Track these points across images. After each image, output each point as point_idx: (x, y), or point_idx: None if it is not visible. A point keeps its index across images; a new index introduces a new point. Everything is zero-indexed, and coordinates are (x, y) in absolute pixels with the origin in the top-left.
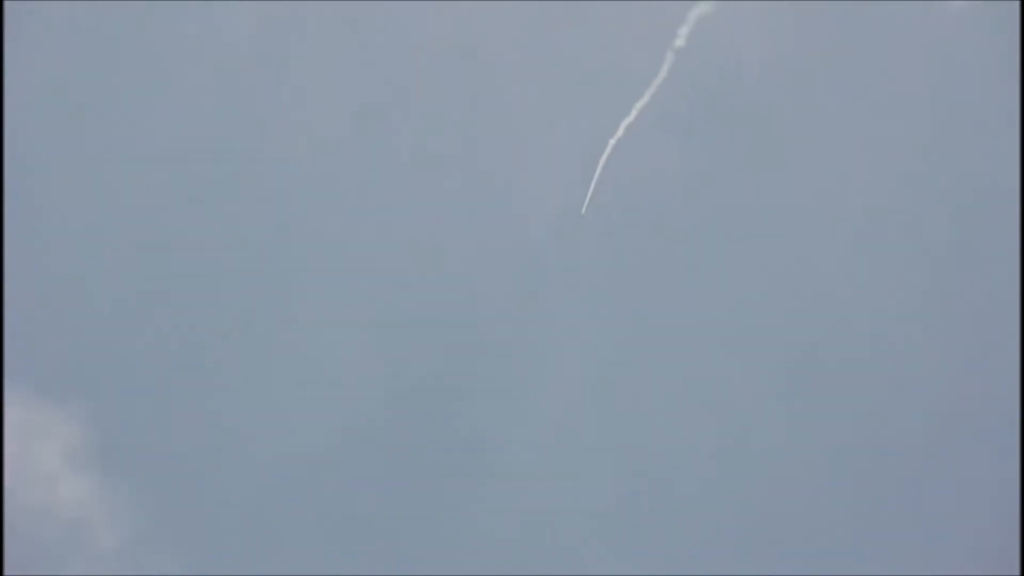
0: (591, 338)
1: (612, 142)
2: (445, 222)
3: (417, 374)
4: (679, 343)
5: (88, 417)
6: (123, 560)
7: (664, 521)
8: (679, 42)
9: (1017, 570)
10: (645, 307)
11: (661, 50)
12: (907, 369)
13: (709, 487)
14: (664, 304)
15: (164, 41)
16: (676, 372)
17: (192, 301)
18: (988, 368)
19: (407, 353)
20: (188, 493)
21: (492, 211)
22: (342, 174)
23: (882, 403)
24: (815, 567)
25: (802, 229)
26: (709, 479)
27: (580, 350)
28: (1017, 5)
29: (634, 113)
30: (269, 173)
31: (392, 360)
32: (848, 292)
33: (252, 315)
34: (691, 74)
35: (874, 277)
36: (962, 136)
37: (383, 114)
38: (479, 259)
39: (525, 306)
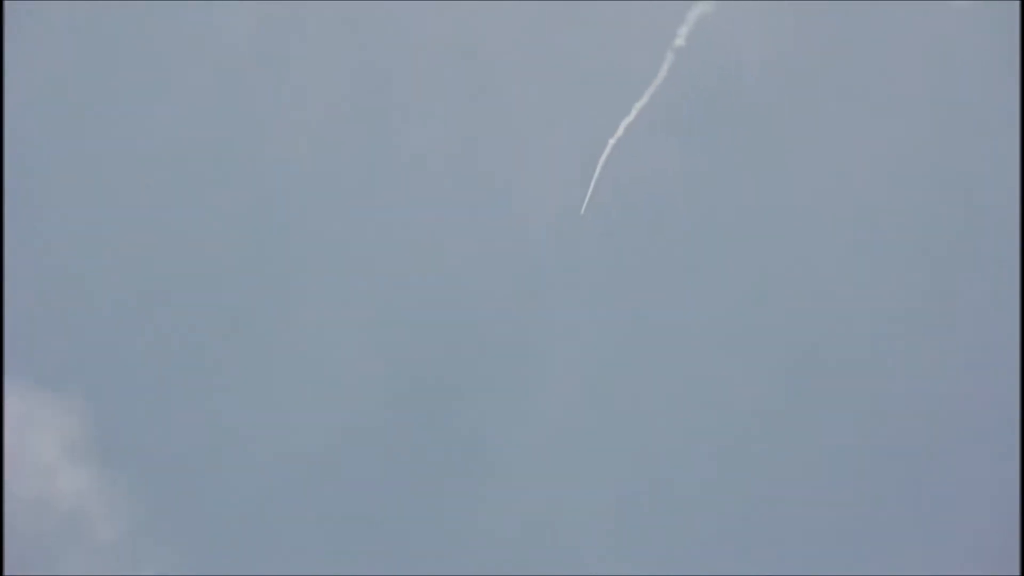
0: (591, 338)
1: (612, 142)
2: (445, 222)
3: (417, 374)
4: (679, 343)
5: (86, 410)
6: (121, 553)
7: (664, 521)
8: (679, 42)
9: (1017, 570)
10: (645, 307)
11: (661, 50)
12: (907, 369)
13: (709, 487)
14: (664, 304)
15: (164, 41)
16: (676, 372)
17: (191, 299)
18: (988, 368)
19: (407, 353)
20: (186, 487)
21: (492, 211)
22: (342, 174)
23: (882, 403)
24: (815, 567)
25: (802, 229)
26: (709, 479)
27: (580, 350)
28: (1017, 5)
29: (634, 113)
30: (269, 173)
31: (392, 360)
32: (848, 292)
33: (251, 314)
34: (691, 74)
35: (874, 277)
36: (962, 136)
37: (383, 114)
38: (479, 259)
39: (525, 306)
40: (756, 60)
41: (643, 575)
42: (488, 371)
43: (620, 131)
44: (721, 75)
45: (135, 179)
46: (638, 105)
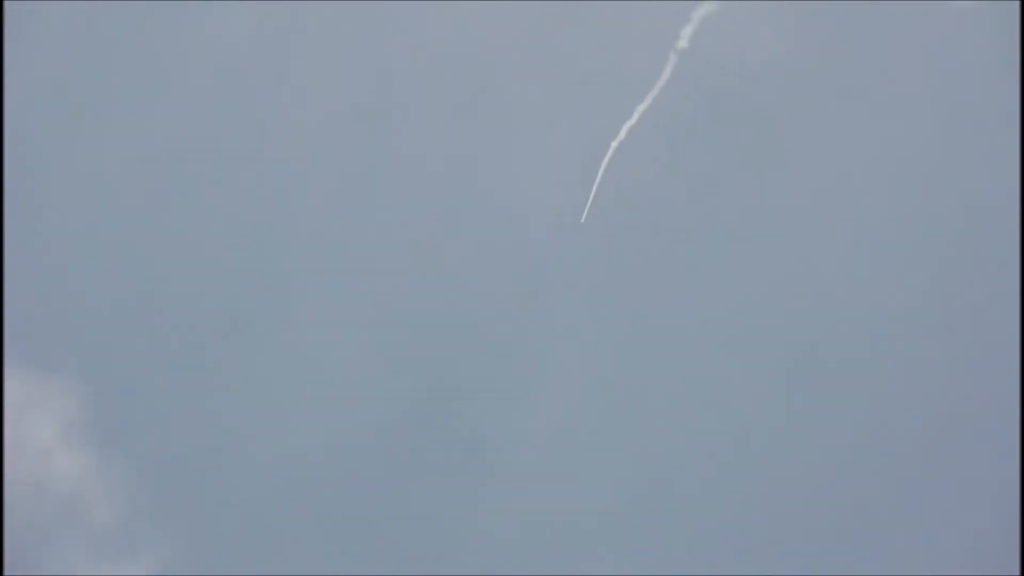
0: (592, 339)
1: (614, 144)
2: (446, 223)
3: (417, 374)
4: (680, 344)
5: (84, 393)
6: (118, 536)
7: (664, 521)
8: (682, 43)
9: (1017, 570)
10: (646, 308)
11: (664, 51)
12: (907, 369)
13: (709, 487)
14: (665, 305)
15: (164, 41)
16: (677, 373)
17: (190, 297)
18: (988, 368)
19: (407, 353)
20: (183, 472)
21: (493, 212)
22: (342, 174)
23: (882, 403)
24: (815, 567)
25: (804, 230)
26: (709, 479)
27: (581, 351)
28: (1017, 5)
29: (636, 116)
30: (269, 173)
31: (393, 360)
32: (848, 292)
33: (251, 312)
34: (694, 75)
35: (874, 277)
36: (962, 136)
37: (384, 115)
38: (480, 259)
39: (526, 307)
40: (758, 61)
41: (643, 575)
42: (489, 371)
43: (622, 133)
44: (724, 77)
45: (135, 179)
46: (640, 108)
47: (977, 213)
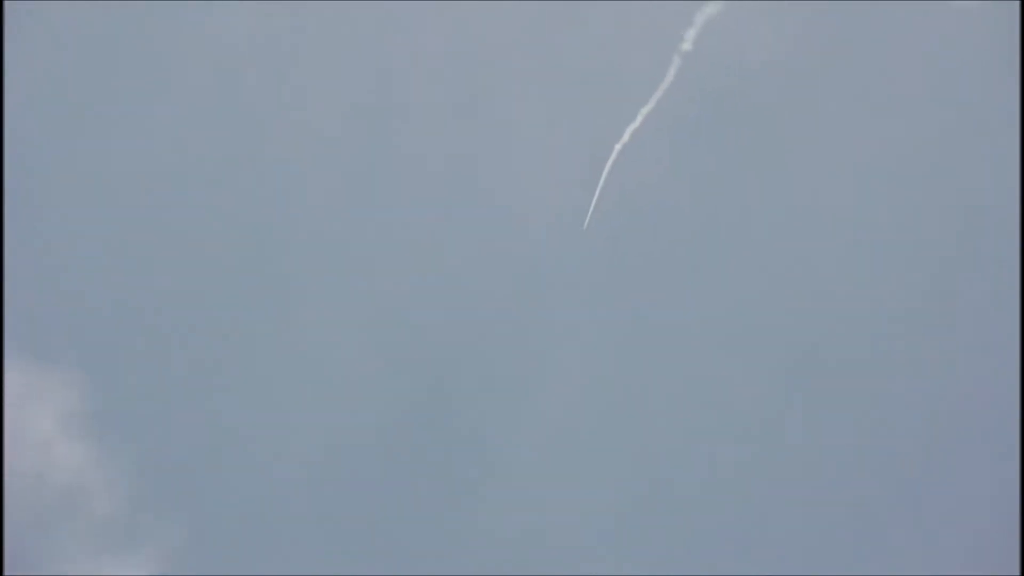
0: (592, 339)
1: (618, 146)
2: (447, 223)
3: (418, 375)
4: (680, 344)
5: (85, 384)
6: (118, 527)
7: (664, 521)
8: (686, 45)
9: (1017, 570)
10: (646, 308)
11: (667, 53)
12: (907, 369)
13: (709, 487)
14: (666, 305)
15: (164, 41)
16: (678, 373)
17: (189, 293)
18: (988, 368)
19: (408, 354)
20: (184, 465)
21: (494, 212)
22: (342, 175)
23: (882, 403)
24: (815, 567)
25: (805, 229)
26: (709, 479)
27: (581, 351)
28: (1017, 5)
29: (640, 119)
30: (269, 173)
31: (393, 361)
32: (848, 292)
33: (250, 312)
34: (698, 78)
35: (874, 277)
36: (962, 136)
37: (385, 115)
38: (481, 260)
39: (526, 307)
40: (761, 62)
41: (643, 575)
42: (489, 371)
43: (626, 136)
44: (728, 78)
45: (135, 178)
46: (644, 111)
47: (977, 213)
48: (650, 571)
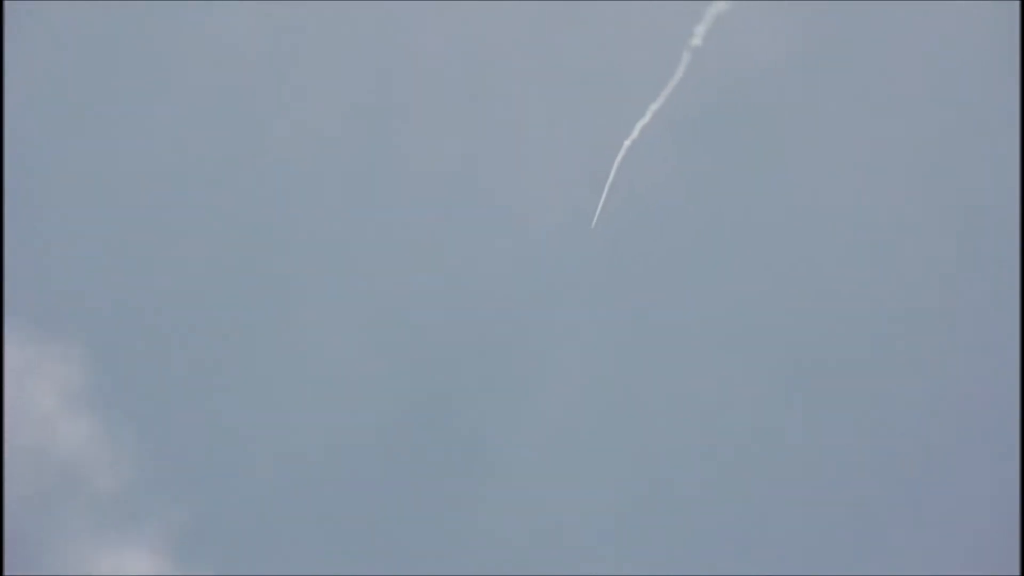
0: (592, 339)
1: (627, 143)
2: (449, 223)
3: (418, 375)
4: (680, 344)
5: (86, 358)
6: (120, 504)
7: (665, 521)
8: (696, 41)
9: (1017, 570)
10: (647, 308)
11: (677, 49)
12: (907, 370)
13: (709, 487)
14: (666, 306)
15: (164, 41)
16: (677, 373)
17: (189, 293)
18: (988, 368)
19: (408, 354)
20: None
21: (498, 213)
22: (343, 175)
23: (882, 404)
24: (815, 567)
25: (811, 230)
26: (709, 479)
27: (582, 351)
28: (1017, 5)
29: (649, 115)
30: (269, 173)
31: (393, 361)
32: (849, 292)
33: (250, 312)
34: (708, 74)
35: (874, 277)
36: (962, 136)
37: (385, 115)
38: (482, 260)
39: (526, 307)
40: (766, 61)
41: (643, 575)
42: (490, 372)
43: (636, 132)
44: (736, 76)
45: (135, 178)
46: (653, 107)
47: (977, 213)
48: (650, 571)
